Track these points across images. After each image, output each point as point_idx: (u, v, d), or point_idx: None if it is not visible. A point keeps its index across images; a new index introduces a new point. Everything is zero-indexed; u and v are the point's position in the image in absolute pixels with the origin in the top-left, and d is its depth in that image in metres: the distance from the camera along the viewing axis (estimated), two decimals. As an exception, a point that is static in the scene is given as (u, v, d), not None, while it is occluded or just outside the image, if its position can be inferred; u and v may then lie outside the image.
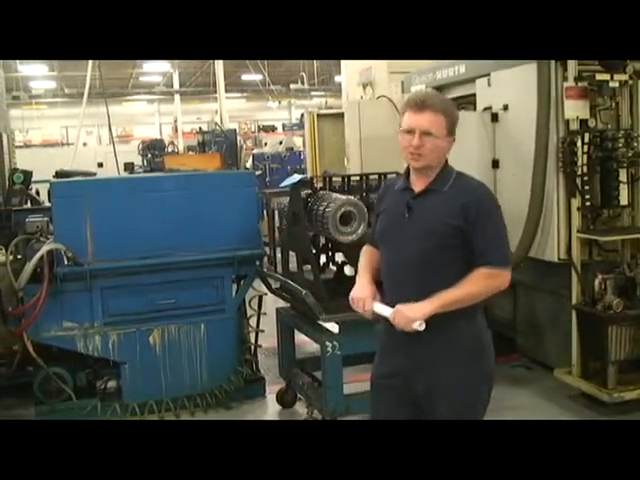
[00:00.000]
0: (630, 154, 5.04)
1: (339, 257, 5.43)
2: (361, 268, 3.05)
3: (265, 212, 5.86)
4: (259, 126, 30.86)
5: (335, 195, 4.96)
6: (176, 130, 28.93)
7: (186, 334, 5.34)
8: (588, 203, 5.06)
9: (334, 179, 5.51)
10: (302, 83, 26.02)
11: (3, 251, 5.20)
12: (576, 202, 5.06)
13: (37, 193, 7.76)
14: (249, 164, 15.93)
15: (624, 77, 5.02)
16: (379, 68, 8.99)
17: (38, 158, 18.97)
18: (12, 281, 5.02)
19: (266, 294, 5.67)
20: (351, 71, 10.10)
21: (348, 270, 5.46)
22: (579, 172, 5.01)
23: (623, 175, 5.12)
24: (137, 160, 20.33)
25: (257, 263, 5.55)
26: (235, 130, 17.80)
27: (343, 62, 10.88)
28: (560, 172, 5.11)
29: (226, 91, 21.14)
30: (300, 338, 5.41)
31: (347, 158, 8.67)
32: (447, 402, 2.75)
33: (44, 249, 4.96)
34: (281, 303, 5.51)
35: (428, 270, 2.74)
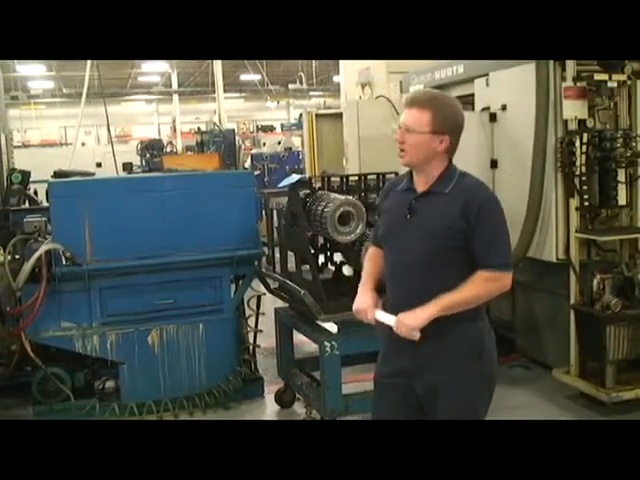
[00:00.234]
0: (628, 154, 5.04)
1: (337, 257, 5.43)
2: (363, 275, 3.06)
3: (264, 212, 5.88)
4: (258, 126, 30.83)
5: (333, 195, 4.96)
6: (175, 130, 28.92)
7: (184, 334, 5.34)
8: (586, 203, 5.07)
9: (333, 179, 5.51)
10: (300, 83, 26.01)
11: (1, 251, 5.20)
12: (574, 202, 5.07)
13: (35, 193, 7.76)
14: (248, 164, 15.94)
15: (622, 77, 5.02)
16: (378, 68, 9.00)
17: (36, 158, 18.96)
18: (10, 281, 5.01)
19: (265, 294, 5.67)
20: (350, 71, 10.11)
21: (346, 270, 5.47)
22: (577, 172, 5.02)
23: (621, 175, 5.12)
24: (136, 160, 20.30)
25: (256, 263, 5.55)
26: (234, 130, 17.77)
27: (342, 62, 10.89)
28: (558, 172, 5.12)
29: (224, 91, 21.15)
30: (299, 338, 5.41)
31: (346, 158, 8.67)
32: (448, 403, 2.75)
33: (42, 249, 4.95)
34: (280, 303, 5.51)
35: (430, 271, 2.74)
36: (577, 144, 4.99)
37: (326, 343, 4.54)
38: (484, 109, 5.92)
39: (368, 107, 8.51)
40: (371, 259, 3.10)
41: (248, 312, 5.65)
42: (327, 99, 27.07)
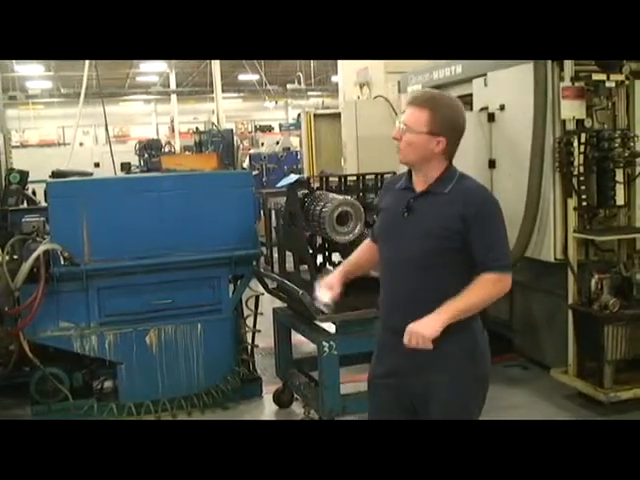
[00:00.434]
0: (626, 154, 5.04)
1: (336, 257, 5.43)
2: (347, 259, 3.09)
3: (262, 212, 5.88)
4: (256, 126, 30.81)
5: (332, 195, 4.97)
6: (173, 130, 28.89)
7: (183, 334, 5.34)
8: (584, 203, 5.07)
9: (331, 179, 5.51)
10: (299, 83, 26.00)
11: (-1, 251, 5.20)
12: (572, 202, 5.07)
13: (33, 193, 7.77)
14: (246, 164, 15.94)
15: (620, 77, 5.02)
16: (376, 68, 9.00)
17: (35, 158, 18.98)
18: (8, 281, 5.00)
19: (263, 294, 5.67)
20: (348, 71, 10.11)
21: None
22: (575, 172, 5.02)
23: (619, 175, 5.12)
24: (134, 160, 20.32)
25: (254, 263, 5.56)
26: (232, 130, 17.78)
27: (340, 62, 10.90)
28: (556, 172, 5.12)
29: (223, 91, 21.11)
30: (297, 338, 5.41)
31: (344, 158, 8.68)
32: (442, 403, 2.74)
33: (40, 249, 4.95)
34: (278, 303, 5.50)
35: (427, 271, 2.73)
36: (575, 144, 5.00)
37: (324, 343, 4.54)
38: (482, 109, 5.92)
39: (366, 107, 8.52)
40: (360, 249, 3.13)
41: (246, 312, 5.65)
42: (325, 99, 27.04)
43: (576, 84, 5.00)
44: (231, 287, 5.57)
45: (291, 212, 4.96)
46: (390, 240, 2.84)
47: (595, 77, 4.98)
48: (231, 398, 5.42)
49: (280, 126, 28.85)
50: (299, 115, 13.38)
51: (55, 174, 7.71)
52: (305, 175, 9.63)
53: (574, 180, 5.03)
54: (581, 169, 5.02)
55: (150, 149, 19.78)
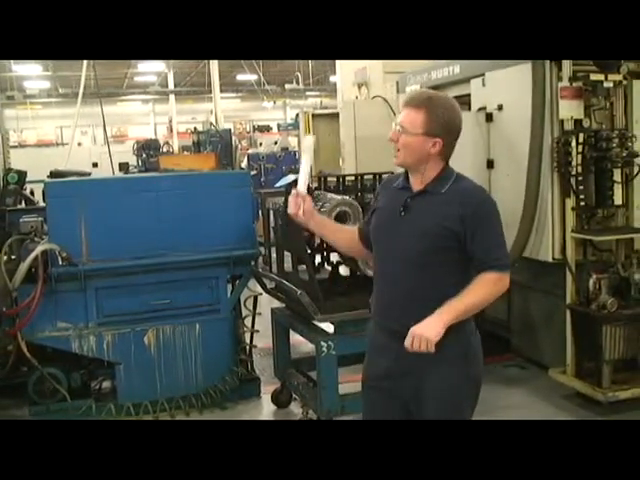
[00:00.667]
0: (624, 154, 5.04)
1: (334, 257, 5.43)
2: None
3: (260, 212, 5.87)
4: (254, 126, 30.82)
5: (330, 195, 4.97)
6: (171, 130, 28.88)
7: (181, 334, 5.34)
8: (582, 203, 5.07)
9: (329, 179, 5.51)
10: (297, 83, 26.01)
11: (-2, 251, 5.19)
12: (570, 202, 5.08)
13: (31, 193, 7.75)
14: (244, 164, 15.93)
15: (618, 77, 5.03)
16: (374, 68, 9.01)
17: (33, 158, 19.00)
18: (6, 281, 5.01)
19: (261, 294, 5.67)
20: (346, 71, 10.12)
21: (343, 270, 5.47)
22: (573, 172, 5.02)
23: (617, 175, 5.13)
24: (132, 160, 20.31)
25: (252, 263, 5.56)
26: (230, 130, 17.77)
27: (338, 62, 10.91)
28: (554, 172, 5.13)
29: (221, 91, 21.08)
30: (295, 338, 5.41)
31: (342, 158, 8.68)
32: (435, 403, 2.74)
33: (38, 249, 4.94)
34: (276, 303, 5.51)
35: (424, 270, 2.73)
36: (573, 144, 5.00)
37: (322, 343, 4.54)
38: (480, 109, 5.92)
39: (364, 107, 8.53)
40: (345, 226, 3.18)
41: (245, 312, 5.65)
42: (324, 99, 27.08)
43: (574, 84, 5.00)
44: (229, 287, 5.57)
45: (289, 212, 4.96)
46: (386, 239, 2.83)
47: (593, 77, 4.98)
48: (229, 398, 5.42)
49: (278, 126, 28.80)
50: (297, 115, 13.36)
51: (53, 174, 7.68)
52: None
53: (572, 180, 5.04)
54: (579, 169, 5.03)
55: (148, 149, 19.76)
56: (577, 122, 5.05)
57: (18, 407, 5.37)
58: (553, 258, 5.23)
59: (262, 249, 5.76)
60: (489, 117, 5.81)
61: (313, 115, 10.59)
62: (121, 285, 5.21)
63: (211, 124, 18.28)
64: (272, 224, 5.64)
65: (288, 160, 15.48)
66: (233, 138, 17.04)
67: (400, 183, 2.87)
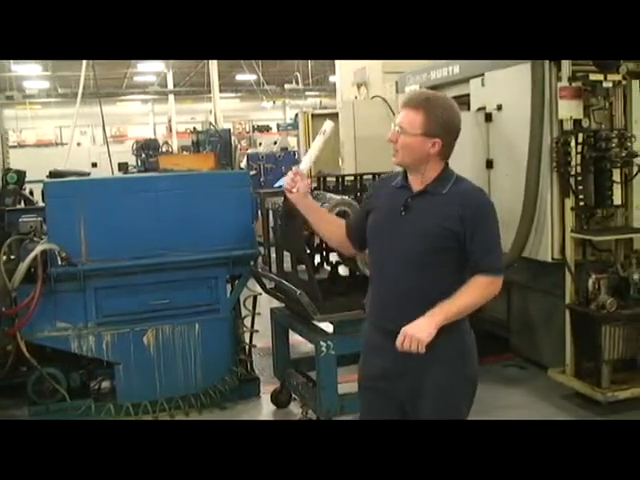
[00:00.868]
0: (624, 154, 5.04)
1: (333, 257, 5.43)
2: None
3: (259, 212, 5.86)
4: (253, 126, 30.78)
5: (329, 195, 4.97)
6: (170, 130, 28.86)
7: (180, 334, 5.34)
8: (582, 203, 5.07)
9: (328, 179, 5.51)
10: (296, 83, 26.01)
11: (-3, 251, 5.19)
12: (570, 202, 5.08)
13: (31, 193, 7.75)
14: (243, 164, 15.92)
15: (618, 77, 5.03)
16: (373, 68, 9.01)
17: (32, 158, 18.99)
18: (5, 281, 5.01)
19: (260, 294, 5.67)
20: (345, 71, 10.12)
21: (342, 270, 5.47)
22: (573, 172, 5.02)
23: (617, 175, 5.13)
24: (131, 160, 20.31)
25: (251, 263, 5.56)
26: (229, 130, 17.77)
27: (337, 62, 10.90)
28: (554, 172, 5.13)
29: (220, 91, 21.10)
30: (295, 338, 5.41)
31: (341, 158, 8.68)
32: (432, 403, 2.74)
33: (38, 249, 4.94)
34: (275, 303, 5.51)
35: (422, 269, 2.72)
36: (572, 144, 5.01)
37: (322, 343, 4.54)
38: (480, 109, 5.92)
39: (364, 107, 8.52)
40: (334, 217, 3.19)
41: (244, 312, 5.65)
42: (323, 99, 27.10)
43: (573, 84, 5.00)
44: (229, 287, 5.57)
45: (288, 212, 4.96)
46: (385, 238, 2.82)
47: (592, 77, 4.98)
48: (229, 398, 5.42)
49: (278, 126, 28.78)
50: (297, 115, 13.36)
51: (52, 174, 7.69)
52: (303, 175, 9.60)
53: (571, 180, 5.04)
54: (578, 169, 5.03)
55: (147, 149, 19.74)
56: (576, 122, 5.05)
57: (17, 407, 5.37)
58: (552, 258, 5.23)
59: (261, 249, 5.76)
60: (488, 117, 5.81)
61: (312, 115, 10.58)
62: (120, 285, 5.21)
63: (210, 124, 18.29)
64: (271, 224, 5.63)
65: (287, 160, 15.45)
66: (232, 138, 17.04)
67: (399, 182, 2.87)
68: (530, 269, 5.64)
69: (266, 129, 29.37)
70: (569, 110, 5.02)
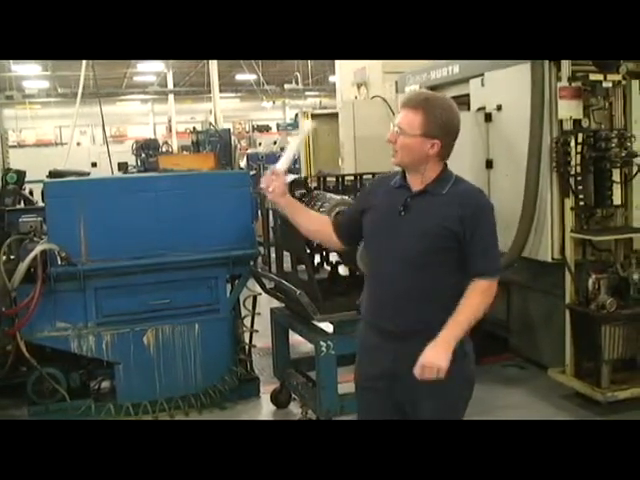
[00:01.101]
0: (623, 154, 5.04)
1: (333, 257, 5.43)
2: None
3: (259, 212, 5.86)
4: (253, 126, 30.82)
5: (329, 195, 4.96)
6: (170, 130, 28.87)
7: (180, 334, 5.33)
8: (582, 203, 5.07)
9: (328, 179, 5.51)
10: (296, 83, 26.02)
11: (-4, 251, 5.19)
12: (569, 202, 5.08)
13: (31, 193, 7.74)
14: (243, 164, 15.93)
15: (617, 77, 5.03)
16: (373, 68, 9.01)
17: (32, 158, 18.99)
18: (5, 281, 5.00)
19: (260, 294, 5.67)
20: (345, 71, 10.11)
21: (342, 270, 5.46)
22: (572, 172, 5.02)
23: (616, 175, 5.13)
24: (131, 160, 20.31)
25: (251, 263, 5.55)
26: (229, 130, 17.79)
27: (337, 62, 10.90)
28: (554, 172, 5.13)
29: (220, 91, 21.10)
30: (294, 338, 5.41)
31: (341, 158, 8.68)
32: (431, 403, 2.75)
33: (37, 249, 4.94)
34: (275, 303, 5.50)
35: (421, 270, 2.73)
36: (572, 144, 5.00)
37: (322, 343, 4.54)
38: (479, 109, 5.92)
39: (364, 107, 8.52)
40: (318, 214, 3.21)
41: (244, 312, 5.64)
42: (323, 99, 27.11)
43: (573, 84, 5.00)
44: (229, 287, 5.57)
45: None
46: (383, 238, 2.81)
47: (592, 77, 4.98)
48: (229, 398, 5.42)
49: (277, 126, 28.83)
50: (297, 115, 13.38)
51: (52, 174, 7.69)
52: (303, 175, 9.62)
53: (571, 180, 5.04)
54: (578, 169, 5.03)
55: (147, 149, 19.75)
56: (576, 122, 5.05)
57: (17, 407, 5.36)
58: (552, 258, 5.23)
59: (261, 249, 5.76)
60: (488, 117, 5.81)
61: (312, 115, 10.58)
62: (120, 285, 5.21)
63: (210, 124, 18.29)
64: (271, 224, 5.63)
65: (287, 160, 15.43)
66: (232, 138, 17.04)
67: (397, 182, 2.86)
68: (530, 269, 5.64)
69: (266, 129, 29.40)
70: (569, 110, 5.02)
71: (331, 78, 24.94)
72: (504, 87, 5.63)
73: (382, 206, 2.85)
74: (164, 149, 20.20)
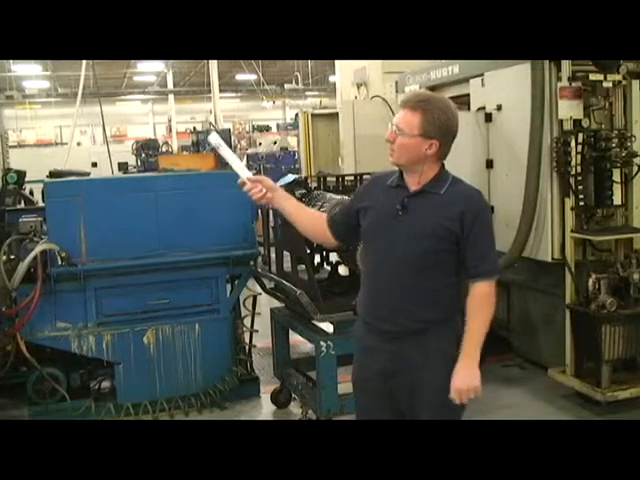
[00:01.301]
0: (624, 154, 5.04)
1: (333, 257, 5.43)
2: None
3: (259, 212, 5.86)
4: (253, 126, 30.80)
5: (329, 195, 4.96)
6: (170, 130, 28.88)
7: (180, 334, 5.33)
8: (582, 203, 5.07)
9: (328, 179, 5.51)
10: (296, 83, 26.05)
11: (-4, 251, 5.19)
12: (570, 202, 5.07)
13: (31, 193, 7.74)
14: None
15: (618, 77, 5.02)
16: (373, 68, 9.00)
17: (32, 158, 18.97)
18: (5, 281, 5.00)
19: (260, 294, 5.67)
20: (345, 71, 10.11)
21: (342, 270, 5.46)
22: (573, 172, 5.02)
23: (617, 175, 5.13)
24: (131, 160, 20.30)
25: (251, 263, 5.55)
26: (229, 130, 17.80)
27: (337, 62, 10.89)
28: (554, 172, 5.12)
29: (220, 91, 21.12)
30: (294, 338, 5.41)
31: (341, 158, 8.67)
32: (429, 403, 2.75)
33: (38, 249, 4.94)
34: (275, 303, 5.51)
35: (420, 270, 2.73)
36: (572, 144, 5.00)
37: (322, 343, 4.54)
38: (479, 109, 5.92)
39: (364, 107, 8.51)
40: (312, 210, 3.26)
41: (244, 312, 5.64)
42: (323, 99, 27.06)
43: (573, 84, 5.00)
44: (229, 287, 5.57)
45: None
46: (381, 238, 2.81)
47: (592, 77, 4.98)
48: (229, 398, 5.42)
49: (278, 126, 28.85)
50: (297, 115, 13.35)
51: (52, 174, 7.70)
52: (303, 175, 9.61)
53: (571, 180, 5.04)
54: (578, 169, 5.03)
55: (147, 149, 19.74)
56: (576, 122, 5.05)
57: (17, 407, 5.37)
58: (552, 258, 5.22)
59: (261, 249, 5.75)
60: (488, 117, 5.81)
61: (312, 115, 10.56)
62: (120, 285, 5.21)
63: (210, 124, 18.30)
64: (271, 224, 5.63)
65: (287, 160, 15.45)
66: (232, 138, 17.04)
67: (394, 181, 2.85)
68: (530, 269, 5.64)
69: (266, 129, 29.38)
70: (569, 110, 5.02)
71: (331, 78, 24.97)
72: (504, 87, 5.63)
73: (379, 206, 2.84)
74: (164, 149, 20.21)
